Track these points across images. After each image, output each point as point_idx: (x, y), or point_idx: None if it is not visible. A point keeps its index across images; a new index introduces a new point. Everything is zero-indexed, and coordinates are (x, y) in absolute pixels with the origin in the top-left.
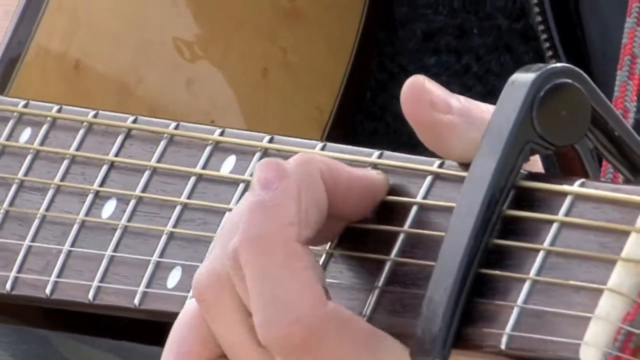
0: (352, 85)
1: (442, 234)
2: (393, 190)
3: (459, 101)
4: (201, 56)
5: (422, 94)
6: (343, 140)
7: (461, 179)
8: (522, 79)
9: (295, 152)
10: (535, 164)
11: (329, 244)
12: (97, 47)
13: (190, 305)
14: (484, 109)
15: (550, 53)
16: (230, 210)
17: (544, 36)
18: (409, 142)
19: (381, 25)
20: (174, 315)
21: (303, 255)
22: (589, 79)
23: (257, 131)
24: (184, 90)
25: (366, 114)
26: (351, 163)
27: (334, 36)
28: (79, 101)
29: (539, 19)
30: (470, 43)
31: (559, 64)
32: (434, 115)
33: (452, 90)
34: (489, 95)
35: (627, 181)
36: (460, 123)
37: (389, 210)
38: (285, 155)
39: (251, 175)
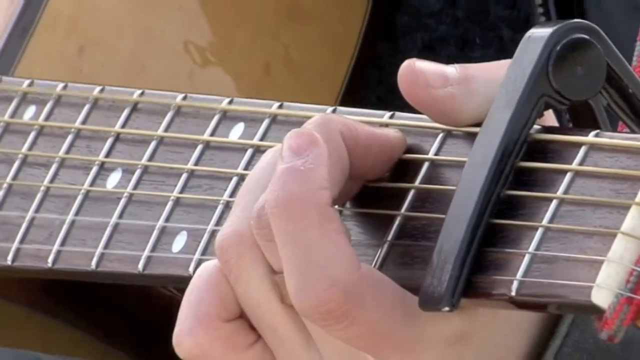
0: (352, 87)
1: (452, 187)
2: (406, 149)
3: (455, 70)
4: (203, 51)
5: (416, 75)
6: None
7: (472, 136)
8: (539, 33)
9: (305, 117)
10: (548, 120)
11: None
12: (101, 34)
13: (207, 267)
14: (484, 67)
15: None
16: (238, 175)
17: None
18: None
19: (382, 33)
20: (178, 279)
21: (336, 218)
22: (605, 36)
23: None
24: (186, 82)
25: None
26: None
27: (336, 35)
28: None
29: (542, 19)
30: (472, 54)
31: (577, 20)
32: (431, 92)
33: None
34: None
35: None
36: (460, 93)
37: (401, 167)
38: (295, 121)
39: (261, 140)
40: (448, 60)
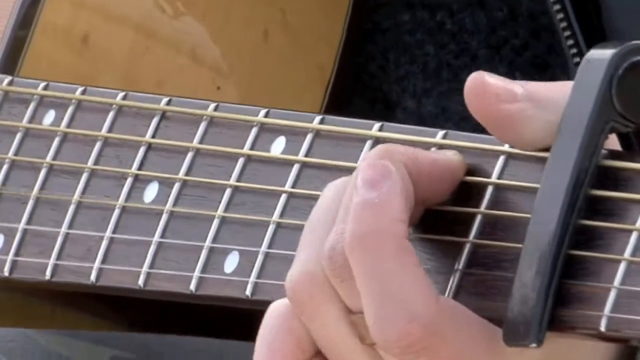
0: (350, 41)
1: (522, 215)
2: (467, 171)
3: (521, 86)
4: (202, 24)
5: (485, 88)
6: (344, 97)
7: (534, 159)
8: (599, 57)
9: (349, 133)
10: (612, 141)
11: None
12: (104, 20)
13: (278, 306)
14: (548, 87)
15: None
16: (287, 193)
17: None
18: (383, 99)
19: None
20: (234, 300)
21: (412, 250)
22: None
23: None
24: (190, 57)
25: None
26: (415, 144)
27: None
28: (88, 75)
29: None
30: None
31: (634, 42)
32: (500, 107)
33: (427, 49)
34: (462, 53)
35: None
36: (529, 108)
37: (463, 190)
38: (340, 136)
39: (306, 156)
40: (421, 4)
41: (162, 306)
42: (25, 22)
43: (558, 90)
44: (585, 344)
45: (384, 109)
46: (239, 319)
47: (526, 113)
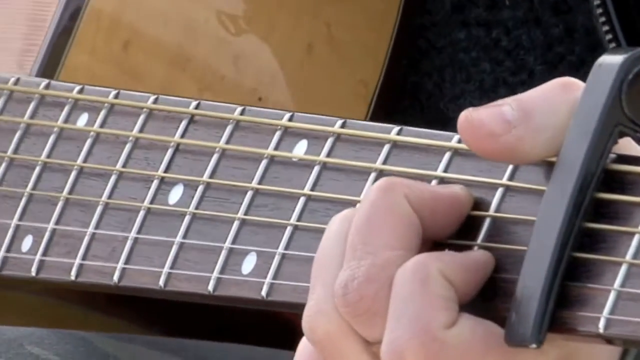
0: (395, 59)
1: (529, 217)
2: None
3: (511, 108)
4: (246, 33)
5: (476, 128)
6: (387, 116)
7: (544, 164)
8: (610, 61)
9: (368, 137)
10: (625, 145)
11: None
12: (145, 27)
13: (306, 344)
14: (538, 97)
15: (609, 36)
16: (306, 195)
17: (602, 19)
18: (440, 118)
19: None
20: (250, 301)
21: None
22: None
23: (326, 115)
24: (232, 68)
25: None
26: (429, 147)
27: (376, 10)
28: (128, 81)
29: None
30: (500, 16)
31: None
32: (498, 141)
33: (483, 66)
34: (519, 70)
35: None
36: (526, 133)
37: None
38: (361, 140)
39: (327, 157)
40: (477, 22)
41: (201, 314)
42: (64, 32)
43: (551, 96)
44: (599, 347)
45: (441, 128)
46: (281, 328)
47: (524, 139)
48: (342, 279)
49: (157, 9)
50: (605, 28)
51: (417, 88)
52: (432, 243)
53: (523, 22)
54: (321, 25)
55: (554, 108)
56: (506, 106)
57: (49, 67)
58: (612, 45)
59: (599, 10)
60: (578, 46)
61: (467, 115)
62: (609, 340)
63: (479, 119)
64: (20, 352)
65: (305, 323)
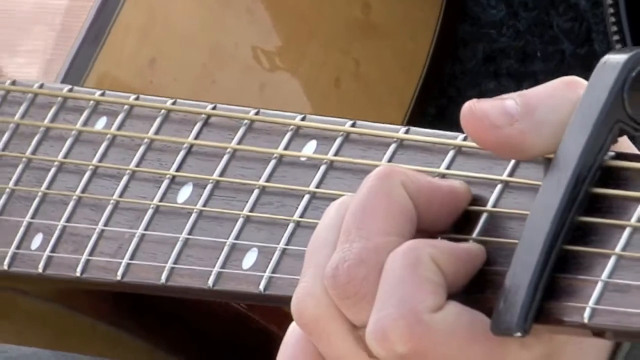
0: (422, 101)
1: (524, 212)
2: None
3: (515, 102)
4: (275, 64)
5: (479, 119)
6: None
7: (543, 161)
8: (614, 59)
9: (378, 136)
10: (623, 144)
11: None
12: (172, 46)
13: (295, 327)
14: (542, 93)
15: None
16: (310, 192)
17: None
18: None
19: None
20: (248, 295)
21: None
22: None
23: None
24: (257, 96)
25: None
26: (433, 146)
27: (406, 51)
28: None
29: (614, 28)
30: (531, 68)
31: None
32: (499, 133)
33: None
34: None
35: None
36: (528, 127)
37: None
38: (368, 140)
39: (335, 155)
40: (508, 73)
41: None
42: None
43: (554, 93)
44: (585, 347)
45: None
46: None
47: (526, 133)
48: (334, 260)
49: (186, 30)
50: (614, 29)
51: None
52: (426, 235)
53: (553, 75)
54: (350, 60)
55: (557, 104)
56: (510, 100)
57: (74, 77)
58: (616, 37)
59: (610, 11)
60: None
61: (471, 106)
62: (594, 331)
63: (482, 110)
64: None
65: (294, 305)
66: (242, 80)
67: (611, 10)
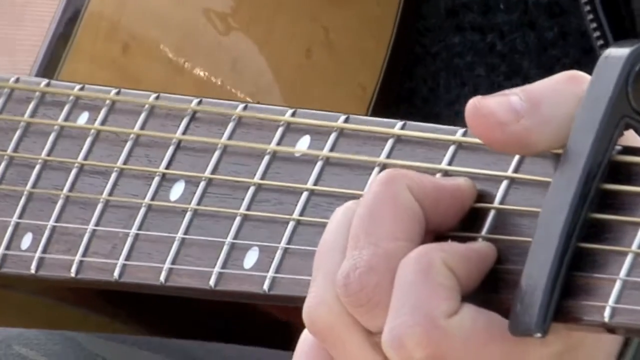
0: (394, 63)
1: (535, 209)
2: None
3: (519, 98)
4: (245, 36)
5: (485, 117)
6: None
7: (548, 156)
8: (616, 53)
9: (372, 132)
10: (629, 138)
11: None
12: (145, 30)
13: (307, 335)
14: (547, 88)
15: (597, 34)
16: (309, 190)
17: (590, 16)
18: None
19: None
20: (251, 295)
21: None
22: None
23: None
24: (230, 72)
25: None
26: (433, 142)
27: (374, 15)
28: (126, 85)
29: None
30: (495, 20)
31: None
32: (506, 131)
33: (477, 71)
34: (514, 74)
35: None
36: (534, 124)
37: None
38: (363, 135)
39: (330, 152)
40: (471, 26)
41: (200, 315)
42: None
43: (558, 88)
44: (602, 338)
45: None
46: (278, 328)
47: (532, 129)
48: (344, 268)
49: (156, 12)
50: (594, 26)
51: (412, 93)
52: (434, 235)
53: (517, 26)
54: (319, 29)
55: (562, 100)
56: (514, 96)
57: (48, 70)
58: (600, 42)
59: (588, 10)
60: (572, 49)
61: (476, 103)
62: (612, 329)
63: (487, 107)
64: (8, 352)
65: (306, 314)
66: (214, 58)
67: None
